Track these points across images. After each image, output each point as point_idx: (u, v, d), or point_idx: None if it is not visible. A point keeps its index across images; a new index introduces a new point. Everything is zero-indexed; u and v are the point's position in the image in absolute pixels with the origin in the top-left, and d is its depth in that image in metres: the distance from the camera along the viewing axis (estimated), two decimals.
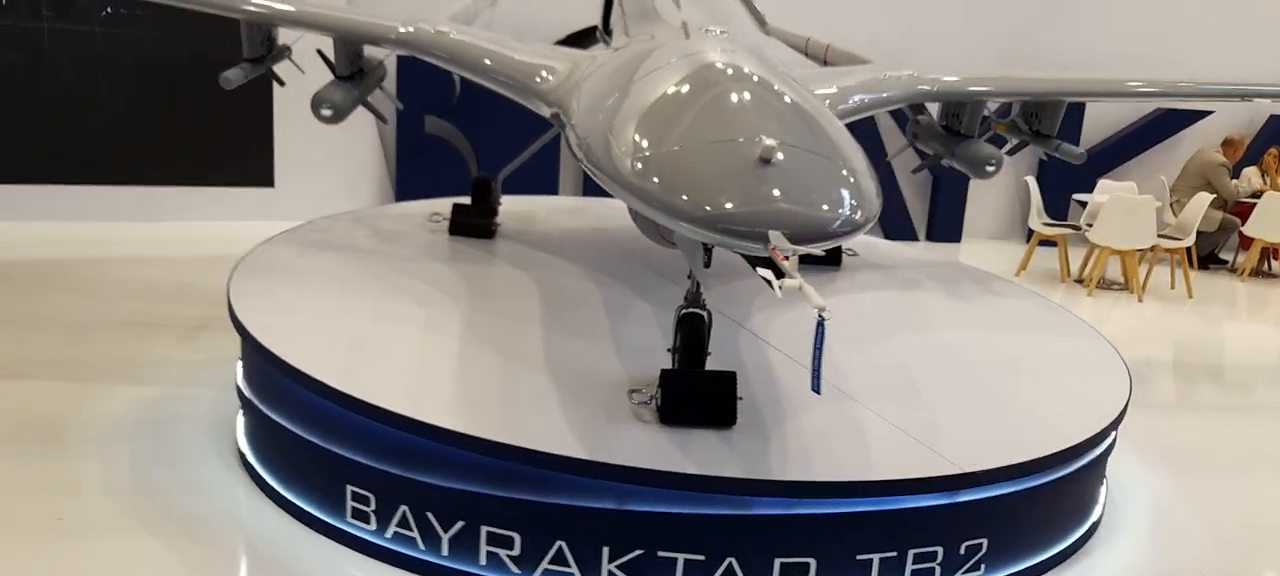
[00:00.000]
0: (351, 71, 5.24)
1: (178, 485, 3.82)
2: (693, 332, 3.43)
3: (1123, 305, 8.75)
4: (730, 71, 3.11)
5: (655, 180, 2.66)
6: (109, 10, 8.50)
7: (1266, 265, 10.54)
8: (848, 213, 2.66)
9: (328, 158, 9.24)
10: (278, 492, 3.69)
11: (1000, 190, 11.09)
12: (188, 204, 8.98)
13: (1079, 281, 9.32)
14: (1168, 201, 10.12)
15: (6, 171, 8.38)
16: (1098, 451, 3.79)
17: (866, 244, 6.46)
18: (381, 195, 10.06)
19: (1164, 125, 11.36)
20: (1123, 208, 8.76)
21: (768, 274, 2.45)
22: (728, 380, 3.36)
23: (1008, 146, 5.50)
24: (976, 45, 10.81)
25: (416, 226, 5.63)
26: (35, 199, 8.41)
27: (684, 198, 2.59)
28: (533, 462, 3.09)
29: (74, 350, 5.25)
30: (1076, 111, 11.24)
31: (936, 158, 5.64)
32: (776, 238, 2.41)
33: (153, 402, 4.58)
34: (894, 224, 11.27)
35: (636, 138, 2.83)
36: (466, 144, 9.78)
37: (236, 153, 9.20)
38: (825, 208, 2.61)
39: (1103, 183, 9.78)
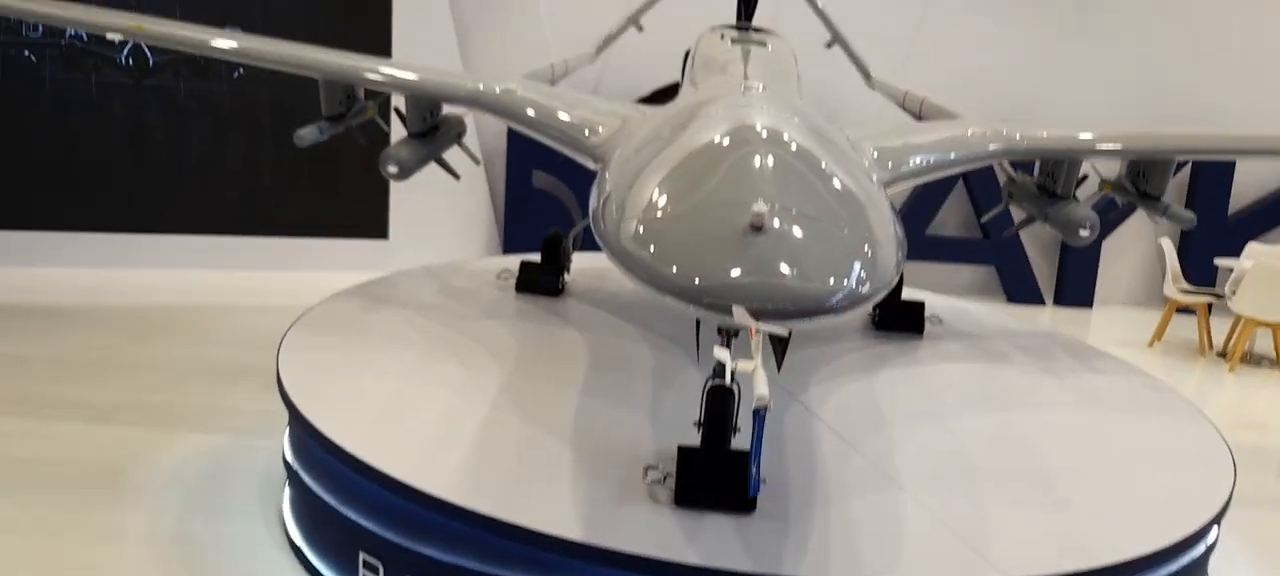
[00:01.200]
0: (425, 129, 5.34)
1: (213, 539, 3.88)
2: (717, 408, 3.23)
3: (1272, 384, 7.88)
4: (755, 132, 2.94)
5: (650, 247, 2.52)
6: (240, 71, 9.08)
7: None
8: (852, 285, 2.43)
9: (440, 210, 9.51)
10: (302, 552, 3.69)
11: (1136, 251, 10.30)
12: (304, 254, 9.40)
13: (1222, 355, 8.48)
14: None
15: (139, 222, 9.01)
16: (1181, 562, 3.33)
17: (958, 309, 6.06)
18: (490, 247, 10.27)
19: None
20: (1268, 274, 7.92)
21: (723, 353, 2.25)
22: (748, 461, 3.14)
23: (1096, 198, 5.02)
24: (1116, 97, 10.15)
25: (485, 283, 5.64)
26: (159, 247, 8.99)
27: (672, 267, 2.43)
28: (529, 542, 2.95)
29: (161, 395, 5.49)
30: (1226, 169, 10.35)
31: (1030, 219, 5.24)
32: (739, 312, 2.21)
33: (217, 452, 4.71)
34: (1018, 286, 10.65)
35: (636, 200, 2.69)
36: (572, 198, 9.87)
37: (353, 205, 9.59)
38: (820, 279, 2.39)
39: (1251, 246, 8.89)
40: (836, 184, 2.75)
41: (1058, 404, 4.47)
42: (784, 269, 2.33)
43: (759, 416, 2.26)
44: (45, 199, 8.85)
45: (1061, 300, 10.71)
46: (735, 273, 2.33)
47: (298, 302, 4.98)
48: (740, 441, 3.20)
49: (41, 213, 8.81)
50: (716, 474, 3.14)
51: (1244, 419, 7.19)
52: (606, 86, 9.58)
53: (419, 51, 9.25)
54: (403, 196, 9.60)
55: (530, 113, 4.68)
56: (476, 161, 5.84)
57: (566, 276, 5.69)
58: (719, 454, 3.17)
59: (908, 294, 5.55)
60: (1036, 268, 10.66)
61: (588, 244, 5.79)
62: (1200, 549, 3.45)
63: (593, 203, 3.24)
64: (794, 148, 2.86)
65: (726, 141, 2.86)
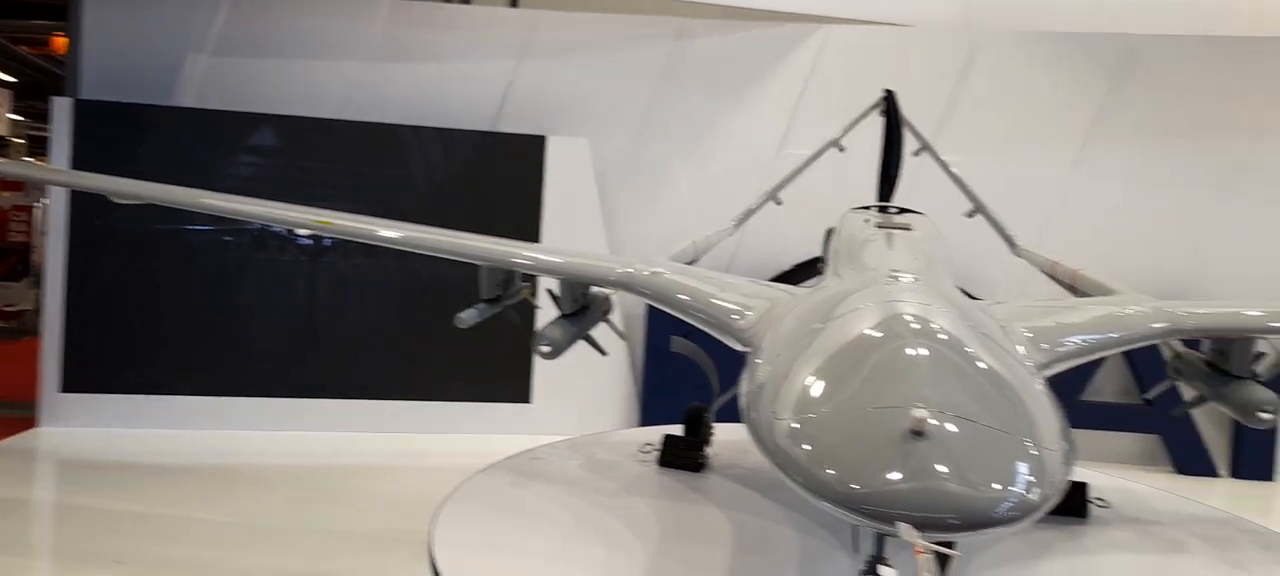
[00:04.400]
0: (576, 309, 5.56)
1: None
2: None
3: None
4: (908, 325, 2.94)
5: (805, 447, 2.52)
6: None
7: None
8: (1021, 493, 2.35)
9: (581, 376, 9.74)
10: None
11: None
12: (451, 418, 9.77)
13: None
14: None
15: (294, 387, 9.61)
16: None
17: (1124, 490, 5.69)
18: (629, 414, 10.40)
19: None
20: None
21: (889, 574, 2.18)
22: None
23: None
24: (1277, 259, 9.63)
25: (627, 456, 5.69)
26: (310, 411, 9.53)
27: (829, 471, 2.42)
28: None
29: (320, 563, 5.73)
30: None
31: (1201, 399, 4.93)
32: (905, 529, 2.16)
33: None
34: (1187, 456, 9.94)
35: (788, 397, 2.71)
36: (711, 364, 9.91)
37: (498, 370, 9.96)
38: (987, 487, 2.33)
39: None
40: (995, 379, 2.71)
41: None
42: (948, 478, 2.28)
43: None
44: (227, 367, 9.61)
45: (1239, 473, 9.89)
46: (896, 481, 2.29)
47: (449, 465, 5.15)
48: None
49: (228, 380, 9.54)
50: None
51: None
52: (742, 260, 9.77)
53: (567, 225, 9.76)
54: (544, 363, 9.89)
55: (680, 297, 4.80)
56: (622, 337, 6.01)
57: (708, 450, 5.69)
58: None
59: None
60: (1207, 436, 9.93)
61: (724, 414, 5.81)
62: None
63: (743, 391, 3.27)
64: (947, 341, 2.84)
65: (877, 336, 2.87)
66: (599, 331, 5.76)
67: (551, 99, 10.56)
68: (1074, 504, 5.05)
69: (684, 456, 5.55)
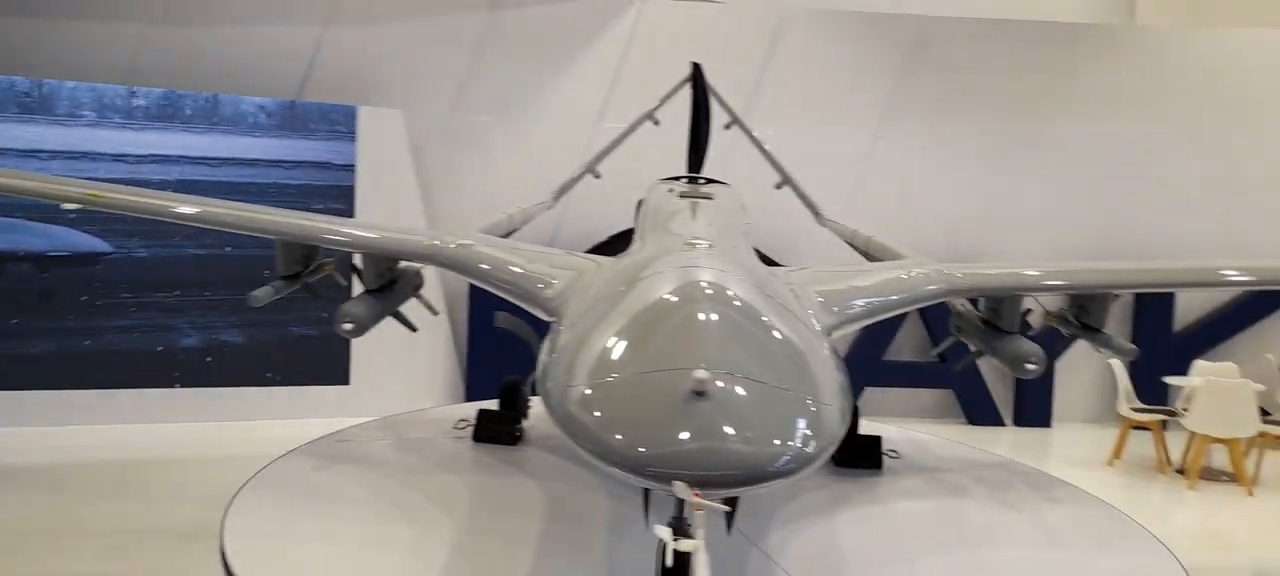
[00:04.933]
0: (381, 284, 5.37)
1: None
2: (673, 571, 3.19)
3: (1232, 500, 7.94)
4: (699, 291, 3.00)
5: (595, 414, 2.53)
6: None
7: None
8: (798, 447, 2.45)
9: (401, 355, 9.46)
10: None
11: (1090, 371, 10.47)
12: (265, 404, 9.28)
13: (1181, 471, 8.55)
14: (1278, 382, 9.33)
15: (88, 379, 8.88)
16: None
17: (916, 441, 6.10)
18: (453, 391, 10.21)
19: (1264, 302, 10.62)
20: (1217, 392, 8.09)
21: (664, 532, 2.23)
22: None
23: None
24: (1060, 230, 10.54)
25: (442, 434, 5.59)
26: (108, 404, 8.82)
27: (617, 437, 2.44)
28: None
29: (107, 564, 5.32)
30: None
31: (978, 353, 5.33)
32: (680, 487, 2.21)
33: None
34: (979, 409, 10.76)
35: (579, 365, 2.72)
36: (535, 338, 9.86)
37: (314, 352, 9.54)
38: (764, 443, 2.41)
39: (1198, 364, 9.11)
40: (780, 340, 2.80)
41: (1016, 541, 4.45)
42: (728, 435, 2.35)
43: None
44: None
45: (1021, 421, 10.81)
46: (679, 442, 2.34)
47: (258, 453, 4.90)
48: None
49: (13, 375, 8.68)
50: None
51: (1212, 537, 7.21)
52: (565, 234, 9.76)
53: (385, 202, 9.44)
54: (362, 341, 9.56)
55: (485, 267, 4.73)
56: (435, 313, 5.86)
57: (524, 423, 5.66)
58: None
59: (865, 427, 5.59)
60: (994, 390, 10.79)
61: None
62: None
63: (540, 362, 3.26)
64: (736, 305, 2.92)
65: (669, 302, 2.92)
66: (411, 308, 5.61)
67: (362, 67, 10.15)
68: (870, 457, 5.37)
69: (499, 430, 5.50)
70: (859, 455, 5.34)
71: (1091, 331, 5.04)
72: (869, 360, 10.61)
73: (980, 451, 6.11)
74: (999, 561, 4.19)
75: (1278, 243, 10.45)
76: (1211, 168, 10.89)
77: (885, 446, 5.47)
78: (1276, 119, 10.96)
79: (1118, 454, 8.97)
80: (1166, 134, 10.90)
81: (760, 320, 2.84)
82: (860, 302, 4.41)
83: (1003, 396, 10.92)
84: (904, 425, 7.28)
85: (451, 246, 4.93)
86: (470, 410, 5.79)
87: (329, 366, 9.62)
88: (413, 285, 5.56)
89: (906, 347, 10.85)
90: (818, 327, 3.43)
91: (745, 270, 3.44)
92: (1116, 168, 10.86)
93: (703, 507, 2.19)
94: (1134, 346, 5.04)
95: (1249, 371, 9.38)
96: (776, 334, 2.86)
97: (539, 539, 4.10)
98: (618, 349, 2.71)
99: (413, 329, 5.59)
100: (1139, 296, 10.73)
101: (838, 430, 2.62)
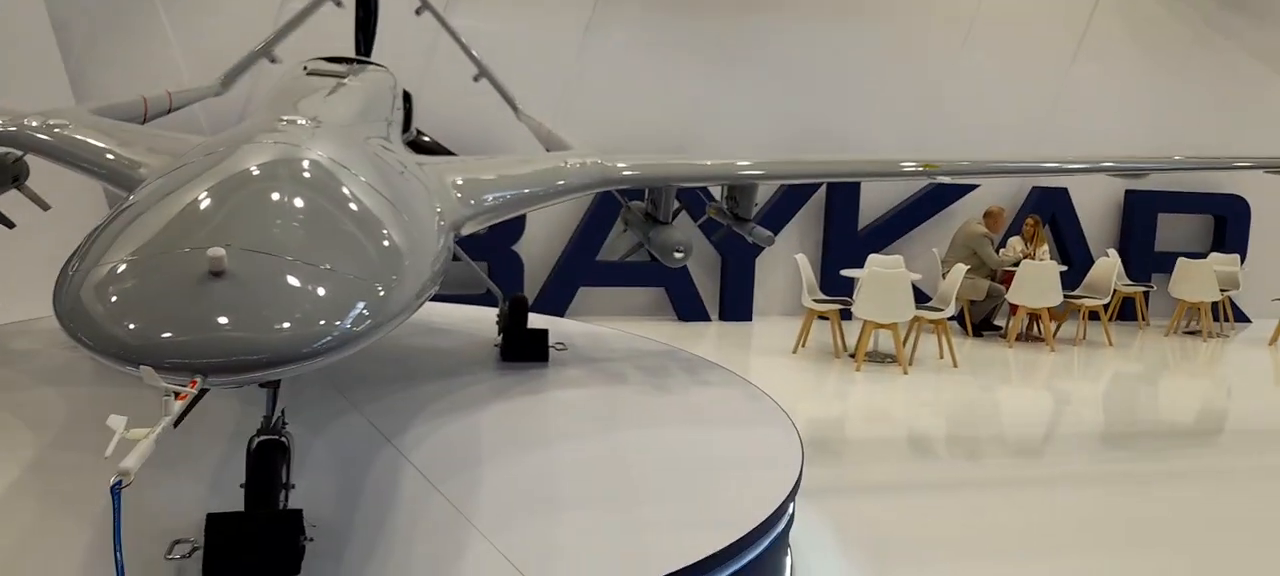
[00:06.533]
0: None
1: None
2: (261, 467, 2.95)
3: (889, 378, 8.77)
4: (249, 172, 2.68)
5: (99, 304, 2.20)
6: None
7: (1035, 329, 10.90)
8: (328, 327, 2.22)
9: (34, 253, 8.37)
10: None
11: (785, 268, 11.14)
12: None
13: (852, 355, 9.34)
14: (940, 273, 10.36)
15: None
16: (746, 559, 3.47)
17: (590, 333, 6.19)
18: None
19: (934, 200, 11.73)
20: (879, 282, 8.85)
21: (117, 420, 1.97)
22: (289, 522, 2.88)
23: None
24: (762, 130, 10.98)
25: (54, 344, 4.99)
26: None
27: (127, 325, 2.14)
28: None
29: None
30: (854, 189, 11.51)
31: (639, 245, 5.43)
32: (145, 373, 1.97)
33: None
34: (688, 305, 11.18)
35: (96, 250, 2.36)
36: None
37: None
38: (275, 327, 2.15)
39: (871, 258, 9.92)
40: (340, 221, 2.59)
41: (662, 421, 4.61)
42: (241, 319, 2.12)
43: (115, 493, 1.89)
44: None
45: (726, 316, 11.38)
46: (188, 324, 2.09)
47: None
48: (296, 500, 2.97)
49: None
50: (256, 541, 2.86)
51: (874, 411, 7.92)
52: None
53: (14, 82, 8.17)
54: None
55: (78, 154, 4.13)
56: (45, 207, 5.12)
57: None
58: (259, 518, 2.90)
59: (533, 322, 5.58)
60: (701, 287, 11.25)
61: None
62: (761, 546, 3.63)
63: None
64: (303, 183, 2.67)
65: (223, 181, 2.61)
66: (9, 200, 4.89)
67: None
68: (536, 350, 5.36)
69: None
70: (525, 348, 5.32)
71: (741, 221, 5.25)
72: (584, 260, 10.71)
73: (648, 340, 6.30)
74: (638, 441, 4.30)
75: (959, 147, 11.46)
76: (913, 73, 11.70)
77: (553, 339, 5.48)
78: (978, 35, 11.89)
79: (802, 342, 9.65)
80: (874, 39, 11.53)
81: (318, 201, 2.60)
82: (508, 193, 4.31)
83: (711, 292, 11.42)
84: (615, 322, 7.37)
85: (43, 124, 4.28)
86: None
87: None
88: (10, 175, 4.83)
89: (620, 247, 11.01)
90: (426, 213, 3.25)
91: (347, 153, 3.16)
92: (820, 67, 11.40)
93: (169, 393, 1.97)
94: (771, 233, 5.31)
95: (917, 266, 10.36)
96: (349, 215, 2.64)
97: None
98: (143, 231, 2.39)
99: (10, 225, 4.88)
100: (829, 195, 11.51)
101: (384, 311, 2.39)
